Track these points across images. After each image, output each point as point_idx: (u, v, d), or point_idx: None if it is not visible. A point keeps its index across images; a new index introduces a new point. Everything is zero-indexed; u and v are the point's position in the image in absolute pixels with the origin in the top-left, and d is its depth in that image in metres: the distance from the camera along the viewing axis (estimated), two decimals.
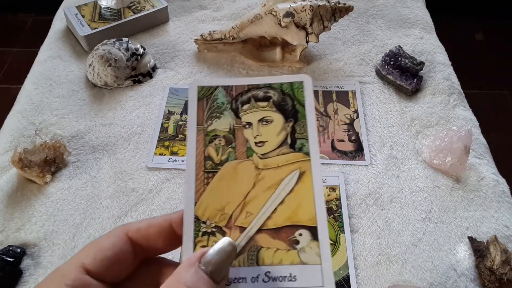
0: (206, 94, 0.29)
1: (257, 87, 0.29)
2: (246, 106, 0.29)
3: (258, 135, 0.28)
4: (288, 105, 0.29)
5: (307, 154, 0.27)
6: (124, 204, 0.55)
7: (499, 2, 1.76)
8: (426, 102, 0.67)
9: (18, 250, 0.49)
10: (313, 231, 0.25)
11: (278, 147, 0.28)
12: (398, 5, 0.84)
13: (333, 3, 0.66)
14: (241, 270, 0.24)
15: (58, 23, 0.81)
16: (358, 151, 0.60)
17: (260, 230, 0.25)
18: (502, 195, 0.56)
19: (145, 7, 0.78)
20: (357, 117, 0.64)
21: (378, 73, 0.71)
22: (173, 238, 0.25)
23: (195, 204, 0.26)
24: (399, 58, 0.68)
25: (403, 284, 0.48)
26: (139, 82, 0.70)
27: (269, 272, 0.24)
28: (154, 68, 0.72)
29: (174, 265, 0.26)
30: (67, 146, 0.59)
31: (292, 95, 0.29)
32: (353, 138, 0.62)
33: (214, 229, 0.25)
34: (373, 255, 0.50)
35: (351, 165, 0.59)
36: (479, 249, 0.50)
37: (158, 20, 0.80)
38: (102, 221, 0.53)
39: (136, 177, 0.58)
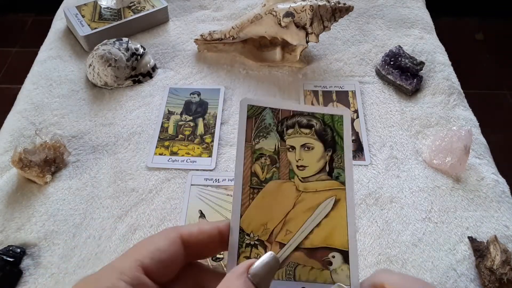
0: (255, 113, 0.31)
1: (301, 114, 0.31)
2: (290, 131, 0.31)
3: (300, 159, 0.30)
4: (328, 135, 0.31)
5: (343, 183, 0.29)
6: (124, 204, 0.55)
7: (499, 2, 1.76)
8: (426, 102, 0.67)
9: (18, 250, 0.49)
10: (345, 255, 0.27)
11: (317, 173, 0.30)
12: (398, 5, 0.84)
13: (333, 3, 0.66)
14: (280, 284, 0.26)
15: (58, 23, 0.81)
16: (358, 151, 0.60)
17: (297, 248, 0.27)
18: (502, 195, 0.56)
19: (145, 7, 0.78)
20: (357, 117, 0.64)
21: (378, 73, 0.71)
22: (220, 245, 0.27)
23: (241, 217, 0.28)
24: (399, 58, 0.68)
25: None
26: (139, 82, 0.70)
27: (304, 287, 0.26)
28: (154, 68, 0.72)
29: (212, 270, 0.28)
30: (67, 146, 0.59)
31: (332, 127, 0.31)
32: (353, 138, 0.62)
33: (256, 242, 0.27)
34: (373, 255, 0.50)
35: None
36: (479, 249, 0.50)
37: (158, 20, 0.80)
38: (102, 221, 0.53)
39: (136, 177, 0.58)
